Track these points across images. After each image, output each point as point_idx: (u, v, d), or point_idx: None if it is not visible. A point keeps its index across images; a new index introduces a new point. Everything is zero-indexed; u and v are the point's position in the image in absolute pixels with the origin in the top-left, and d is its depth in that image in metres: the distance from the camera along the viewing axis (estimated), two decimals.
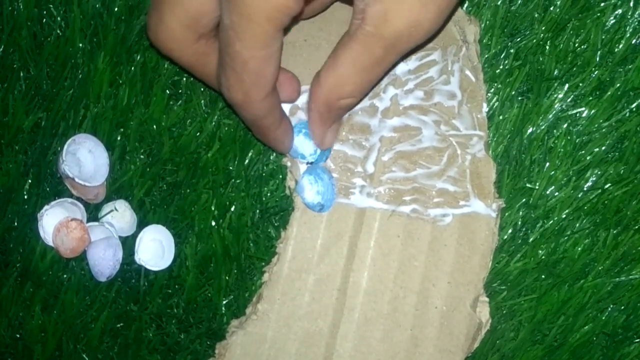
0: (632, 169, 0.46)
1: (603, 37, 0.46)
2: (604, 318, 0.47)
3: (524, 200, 0.46)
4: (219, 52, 0.37)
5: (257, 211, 0.46)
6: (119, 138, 0.46)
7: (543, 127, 0.46)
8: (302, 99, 0.44)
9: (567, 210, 0.46)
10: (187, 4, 0.37)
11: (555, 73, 0.46)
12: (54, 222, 0.45)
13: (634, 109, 0.46)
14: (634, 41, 0.46)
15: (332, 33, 0.45)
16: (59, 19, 0.46)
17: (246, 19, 0.34)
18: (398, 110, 0.45)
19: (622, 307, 0.47)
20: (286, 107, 0.45)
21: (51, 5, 0.46)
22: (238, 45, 0.35)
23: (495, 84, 0.46)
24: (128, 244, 0.46)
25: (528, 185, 0.46)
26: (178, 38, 0.38)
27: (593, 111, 0.46)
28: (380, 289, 0.44)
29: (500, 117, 0.46)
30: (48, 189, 0.46)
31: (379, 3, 0.35)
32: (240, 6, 0.34)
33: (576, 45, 0.46)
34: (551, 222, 0.46)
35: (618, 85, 0.46)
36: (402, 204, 0.44)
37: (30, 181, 0.46)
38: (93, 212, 0.46)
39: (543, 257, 0.46)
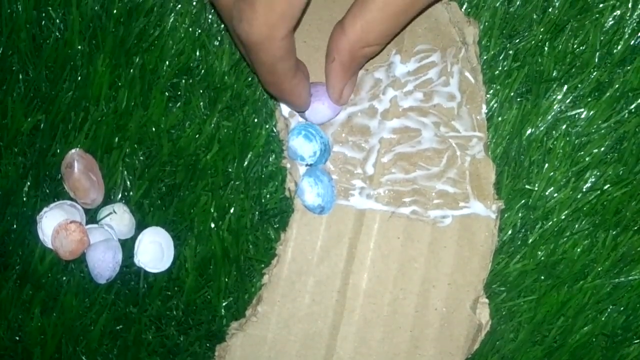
0: (631, 170, 0.46)
1: (602, 38, 0.46)
2: (603, 319, 0.47)
3: (523, 201, 0.46)
4: None
5: (257, 213, 0.46)
6: (117, 140, 0.46)
7: (542, 128, 0.46)
8: None
9: (566, 211, 0.46)
10: None
11: (554, 74, 0.46)
12: (53, 224, 0.45)
13: (633, 110, 0.46)
14: (632, 42, 0.46)
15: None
16: (57, 21, 0.46)
17: None
18: (397, 112, 0.45)
19: (622, 308, 0.47)
20: (285, 109, 0.45)
21: (50, 8, 0.46)
22: None
23: (494, 86, 0.46)
24: (127, 246, 0.46)
25: (527, 186, 0.46)
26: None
27: (592, 112, 0.46)
28: (380, 290, 0.44)
29: (499, 119, 0.46)
30: (47, 191, 0.46)
31: None
32: None
33: (575, 46, 0.46)
34: (550, 223, 0.46)
35: (617, 86, 0.46)
36: (401, 206, 0.44)
37: (29, 183, 0.46)
38: (92, 215, 0.46)
39: (542, 258, 0.46)
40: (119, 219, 0.46)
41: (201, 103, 0.46)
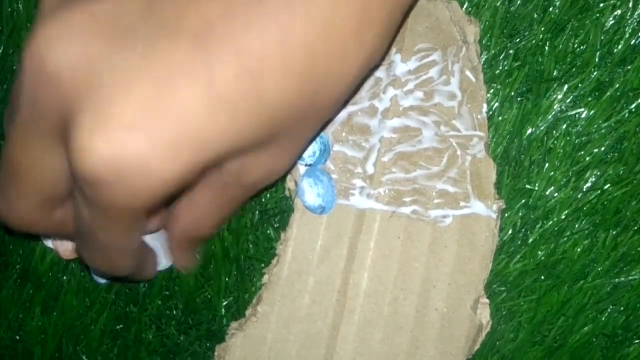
0: (631, 170, 0.46)
1: (602, 37, 0.46)
2: (603, 319, 0.47)
3: (523, 201, 0.46)
4: (77, 230, 0.35)
5: (257, 212, 0.46)
6: None
7: (542, 127, 0.46)
8: None
9: (566, 211, 0.46)
10: (34, 182, 0.33)
11: (554, 74, 0.46)
12: None
13: (633, 110, 0.46)
14: (633, 42, 0.46)
15: None
16: None
17: (107, 214, 0.32)
18: (398, 111, 0.45)
19: (622, 308, 0.47)
20: None
21: None
22: (100, 235, 0.33)
23: (495, 85, 0.46)
24: None
25: (527, 186, 0.46)
26: (32, 219, 0.35)
27: (592, 112, 0.46)
28: (381, 290, 0.44)
29: (500, 118, 0.46)
30: None
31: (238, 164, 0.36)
32: (100, 202, 0.31)
33: (575, 45, 0.46)
34: (550, 222, 0.46)
35: (617, 85, 0.46)
36: (402, 205, 0.44)
37: None
38: None
39: (542, 258, 0.46)
40: None
41: None
